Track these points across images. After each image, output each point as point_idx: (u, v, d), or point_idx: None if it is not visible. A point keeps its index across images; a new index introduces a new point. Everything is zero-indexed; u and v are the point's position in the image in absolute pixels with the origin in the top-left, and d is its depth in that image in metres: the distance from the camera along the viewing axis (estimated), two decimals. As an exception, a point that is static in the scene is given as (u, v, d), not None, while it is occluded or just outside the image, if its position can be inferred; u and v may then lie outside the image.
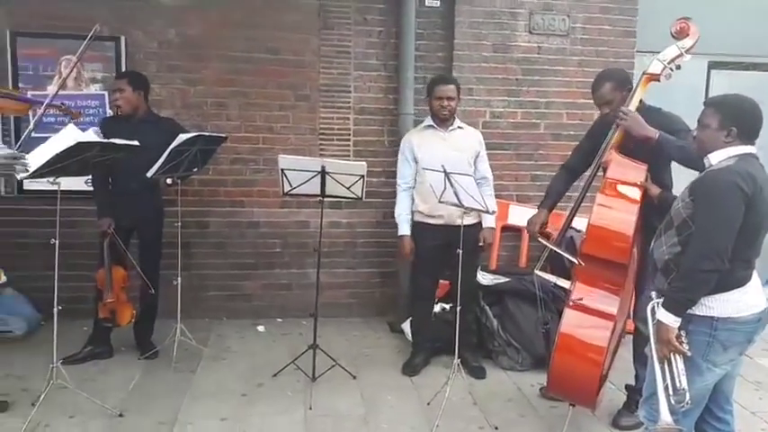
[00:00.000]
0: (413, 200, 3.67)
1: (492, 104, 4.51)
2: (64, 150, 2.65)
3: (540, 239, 3.11)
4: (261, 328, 4.45)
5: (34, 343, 3.98)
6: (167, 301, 3.82)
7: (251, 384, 3.50)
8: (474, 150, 3.63)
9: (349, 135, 4.61)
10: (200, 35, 4.35)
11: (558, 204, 3.94)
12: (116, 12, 4.24)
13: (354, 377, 3.60)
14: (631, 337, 3.14)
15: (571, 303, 2.62)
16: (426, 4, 4.46)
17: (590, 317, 2.57)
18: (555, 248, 2.90)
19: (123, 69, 4.17)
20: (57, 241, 2.95)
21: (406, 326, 4.23)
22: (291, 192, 3.45)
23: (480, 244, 3.65)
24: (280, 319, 4.62)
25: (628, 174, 2.63)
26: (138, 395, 3.31)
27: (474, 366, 3.70)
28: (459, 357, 3.29)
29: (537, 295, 3.22)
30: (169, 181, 3.58)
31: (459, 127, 3.66)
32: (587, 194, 3.01)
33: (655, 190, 2.68)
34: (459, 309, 3.25)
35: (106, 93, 4.26)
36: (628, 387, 3.24)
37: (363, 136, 4.62)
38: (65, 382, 3.02)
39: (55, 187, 2.87)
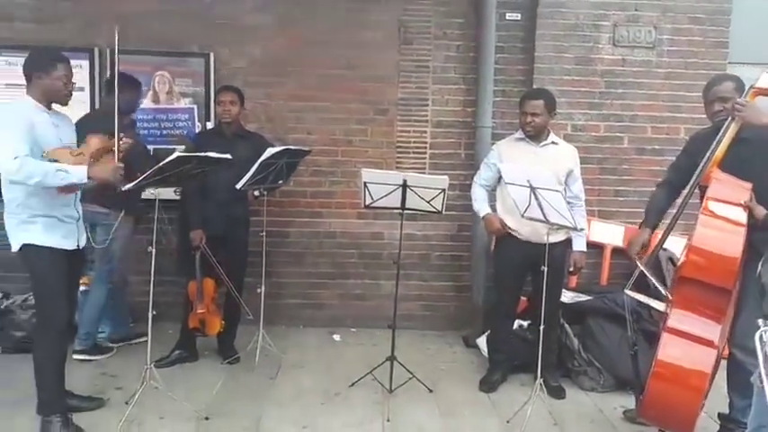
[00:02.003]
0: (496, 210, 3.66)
1: (574, 117, 4.43)
2: (166, 162, 2.79)
3: (638, 262, 3.01)
4: (336, 337, 4.52)
5: (124, 345, 4.18)
6: (248, 308, 3.94)
7: (329, 393, 3.55)
8: (566, 168, 3.51)
9: (425, 148, 4.64)
10: (284, 52, 4.50)
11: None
12: (206, 30, 4.46)
13: (431, 391, 3.59)
14: (725, 362, 2.99)
15: (669, 328, 2.51)
16: (507, 17, 4.45)
17: (690, 343, 2.46)
18: (646, 272, 2.79)
19: (212, 84, 4.38)
20: (153, 249, 3.09)
21: (482, 341, 4.18)
22: (372, 204, 3.49)
23: (571, 269, 3.57)
24: (354, 329, 4.67)
25: (731, 193, 2.50)
26: (222, 399, 3.42)
27: (553, 386, 3.61)
28: (540, 377, 3.23)
29: (626, 316, 3.11)
30: (256, 193, 3.72)
31: (553, 142, 3.57)
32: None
33: (760, 211, 2.54)
34: (542, 328, 3.19)
35: (195, 107, 4.46)
36: (721, 416, 3.08)
37: (440, 149, 4.64)
38: (156, 383, 3.15)
39: (152, 197, 3.04)
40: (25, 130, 2.66)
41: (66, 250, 2.85)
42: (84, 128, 3.11)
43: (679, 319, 2.52)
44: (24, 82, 2.87)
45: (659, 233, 3.04)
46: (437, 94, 4.59)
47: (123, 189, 2.86)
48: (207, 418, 3.16)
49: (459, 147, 4.63)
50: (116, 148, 2.84)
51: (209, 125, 4.42)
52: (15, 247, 2.81)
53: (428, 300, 4.75)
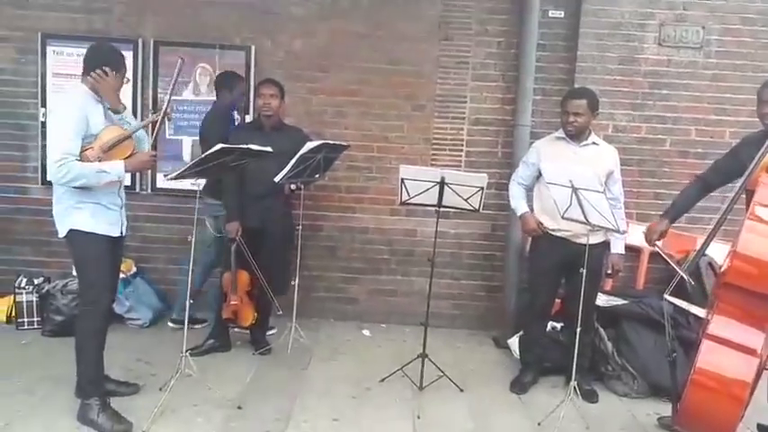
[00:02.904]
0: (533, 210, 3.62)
1: (615, 118, 4.35)
2: (209, 153, 2.83)
3: (660, 251, 2.99)
4: (366, 332, 4.53)
5: (159, 332, 4.27)
6: (280, 300, 3.97)
7: (360, 387, 3.56)
8: (606, 169, 3.45)
9: (462, 145, 4.61)
10: (324, 46, 4.52)
11: (683, 225, 3.75)
12: (247, 22, 4.50)
13: (462, 390, 3.57)
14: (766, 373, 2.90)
15: (709, 335, 2.45)
16: (550, 14, 4.38)
17: (731, 351, 2.39)
18: (686, 276, 2.73)
19: (253, 77, 4.42)
20: (193, 238, 3.14)
21: (513, 342, 4.14)
22: (409, 201, 3.48)
23: (609, 271, 3.52)
24: (384, 325, 4.67)
25: (779, 198, 2.43)
26: (254, 389, 3.45)
27: (586, 390, 3.55)
28: (574, 380, 3.18)
29: (665, 321, 3.04)
30: (293, 186, 3.73)
31: (593, 143, 3.51)
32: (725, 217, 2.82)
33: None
34: (578, 330, 3.15)
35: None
36: (760, 427, 3.00)
37: (476, 147, 4.60)
38: (191, 371, 3.19)
39: (192, 187, 3.08)
40: (79, 124, 2.74)
41: (110, 237, 2.91)
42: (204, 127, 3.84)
43: (720, 325, 2.46)
44: (70, 71, 2.93)
45: (699, 239, 2.97)
46: (476, 91, 4.55)
47: (168, 179, 2.90)
48: (239, 407, 3.19)
49: (496, 145, 4.58)
50: (154, 133, 2.94)
51: (248, 118, 4.47)
52: (62, 233, 2.88)
53: (459, 298, 4.73)
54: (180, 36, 4.48)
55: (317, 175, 3.73)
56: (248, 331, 4.04)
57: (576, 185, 2.94)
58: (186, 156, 4.53)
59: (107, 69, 2.84)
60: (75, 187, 2.77)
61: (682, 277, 2.87)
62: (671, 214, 3.15)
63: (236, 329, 4.02)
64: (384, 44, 4.50)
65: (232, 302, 3.80)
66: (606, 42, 4.31)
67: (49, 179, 2.81)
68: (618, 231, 3.06)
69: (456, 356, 4.14)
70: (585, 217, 2.98)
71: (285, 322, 3.96)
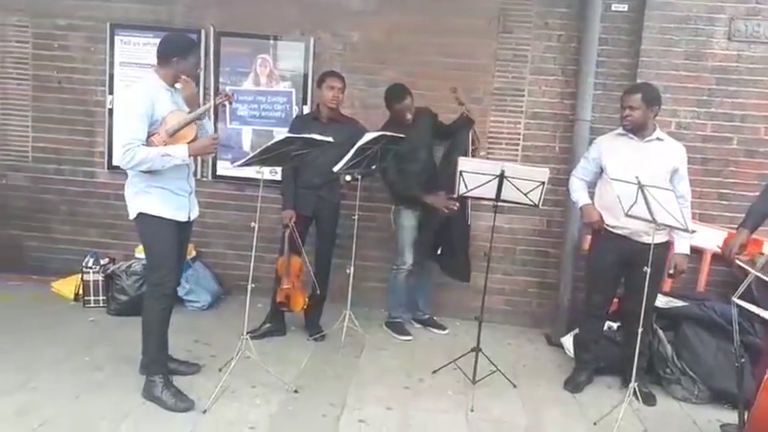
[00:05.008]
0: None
1: (679, 115, 4.22)
2: (273, 143, 2.89)
3: (740, 263, 2.86)
4: (417, 325, 4.54)
5: (217, 315, 4.40)
6: (334, 288, 4.02)
7: (413, 378, 3.58)
8: (671, 166, 3.35)
9: (518, 140, 4.56)
10: (383, 39, 4.53)
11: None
12: (307, 15, 4.55)
13: (515, 386, 3.55)
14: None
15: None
16: (613, 8, 4.28)
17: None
18: (763, 277, 2.64)
19: (311, 69, 4.51)
20: (256, 225, 3.20)
21: (567, 340, 4.09)
22: (467, 194, 3.47)
23: (671, 271, 3.43)
24: (435, 318, 4.67)
25: None
26: (309, 374, 3.52)
27: (644, 392, 3.47)
28: (635, 381, 3.13)
29: (734, 326, 2.95)
30: (348, 178, 3.77)
31: (658, 138, 3.42)
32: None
33: None
34: (640, 330, 3.08)
35: (293, 90, 4.58)
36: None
37: (533, 141, 4.54)
38: (250, 353, 3.27)
39: (254, 175, 3.15)
40: (145, 112, 2.83)
41: (177, 221, 3.01)
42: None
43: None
44: (136, 60, 3.02)
45: (764, 241, 2.86)
46: (534, 85, 4.50)
47: (234, 166, 2.98)
48: (296, 391, 3.26)
49: (553, 140, 4.52)
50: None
51: (306, 109, 4.53)
52: (132, 215, 3.00)
53: (510, 294, 4.69)
54: (241, 27, 4.56)
55: (374, 166, 3.75)
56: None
57: (642, 182, 2.87)
58: (246, 145, 4.62)
59: (178, 59, 2.93)
60: (143, 171, 2.87)
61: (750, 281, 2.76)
62: (747, 224, 3.00)
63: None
64: (442, 38, 4.47)
65: (285, 286, 3.87)
66: (672, 37, 4.18)
67: (115, 164, 2.91)
68: (686, 231, 2.98)
69: (507, 352, 4.12)
70: (652, 215, 2.91)
71: (340, 309, 4.00)
